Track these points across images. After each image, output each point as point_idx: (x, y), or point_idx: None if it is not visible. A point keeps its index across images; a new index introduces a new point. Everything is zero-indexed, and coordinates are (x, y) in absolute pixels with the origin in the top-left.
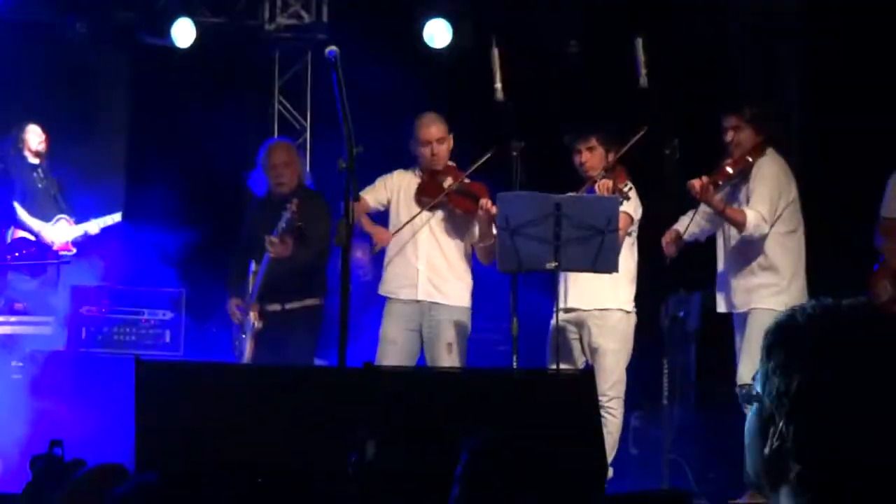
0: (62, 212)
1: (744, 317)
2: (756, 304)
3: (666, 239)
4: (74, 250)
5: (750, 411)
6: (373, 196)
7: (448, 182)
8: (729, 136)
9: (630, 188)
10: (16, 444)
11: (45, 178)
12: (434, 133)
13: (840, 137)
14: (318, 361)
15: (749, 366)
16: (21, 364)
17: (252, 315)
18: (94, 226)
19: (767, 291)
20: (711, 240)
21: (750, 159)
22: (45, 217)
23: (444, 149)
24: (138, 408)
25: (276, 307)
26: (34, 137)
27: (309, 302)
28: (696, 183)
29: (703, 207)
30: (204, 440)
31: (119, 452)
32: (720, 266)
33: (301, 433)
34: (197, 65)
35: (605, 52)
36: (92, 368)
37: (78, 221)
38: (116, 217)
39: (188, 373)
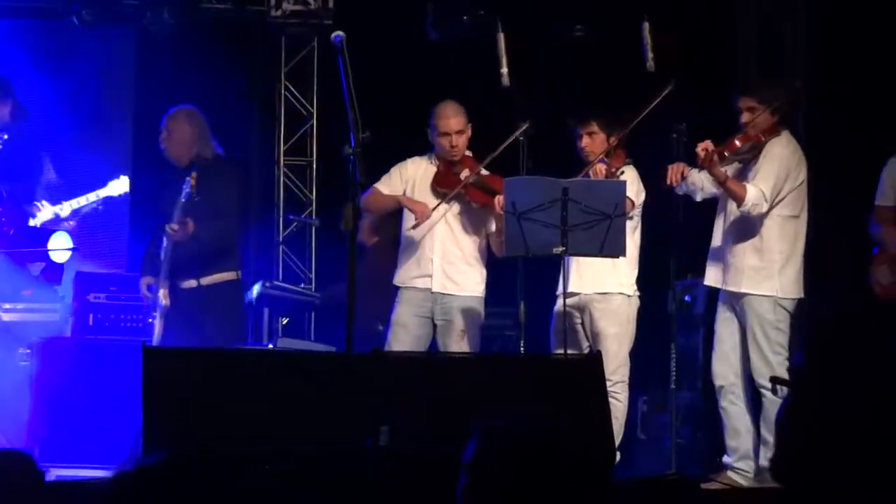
0: (42, 197)
1: (733, 296)
2: (747, 288)
3: (674, 169)
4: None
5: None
6: (388, 187)
7: (465, 174)
8: (745, 117)
9: (622, 171)
10: (22, 431)
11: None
12: (454, 125)
13: (846, 122)
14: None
15: (760, 360)
16: (28, 351)
17: (161, 293)
18: (66, 208)
19: (758, 275)
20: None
21: (762, 138)
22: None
23: (463, 140)
24: (145, 394)
25: (191, 283)
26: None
27: (226, 276)
28: (701, 151)
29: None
30: (211, 425)
31: (126, 438)
32: (716, 241)
33: (309, 418)
34: (202, 51)
35: (611, 36)
36: (99, 355)
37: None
38: (99, 193)
39: (195, 359)
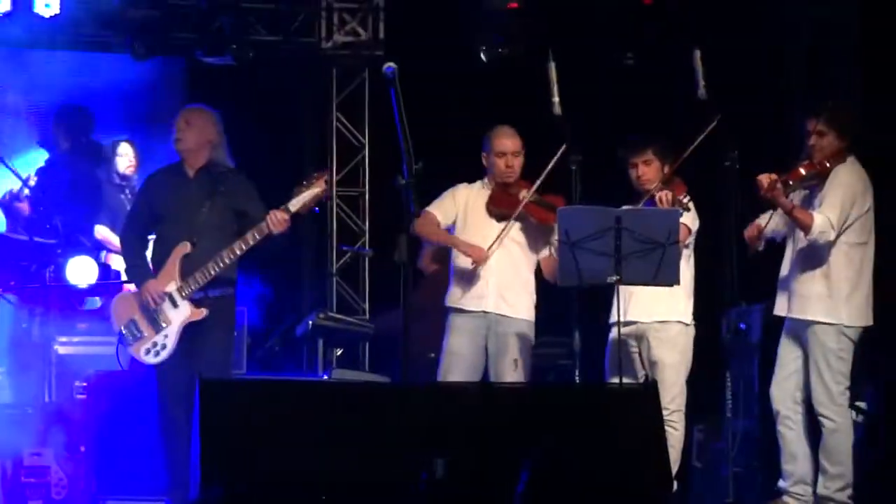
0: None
1: (798, 323)
2: (812, 315)
3: (748, 233)
4: None
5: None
6: (441, 211)
7: (523, 194)
8: (812, 139)
9: (689, 199)
10: (80, 463)
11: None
12: (510, 145)
13: None
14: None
15: (821, 389)
16: (84, 384)
17: (189, 305)
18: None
19: (823, 304)
20: (777, 250)
21: (828, 164)
22: None
23: (518, 162)
24: (202, 425)
25: (199, 294)
26: (123, 161)
27: (230, 290)
28: (764, 180)
29: (777, 212)
30: (266, 457)
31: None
32: (785, 269)
33: (366, 449)
34: (255, 83)
35: (662, 63)
36: (154, 388)
37: None
38: None
39: (251, 390)
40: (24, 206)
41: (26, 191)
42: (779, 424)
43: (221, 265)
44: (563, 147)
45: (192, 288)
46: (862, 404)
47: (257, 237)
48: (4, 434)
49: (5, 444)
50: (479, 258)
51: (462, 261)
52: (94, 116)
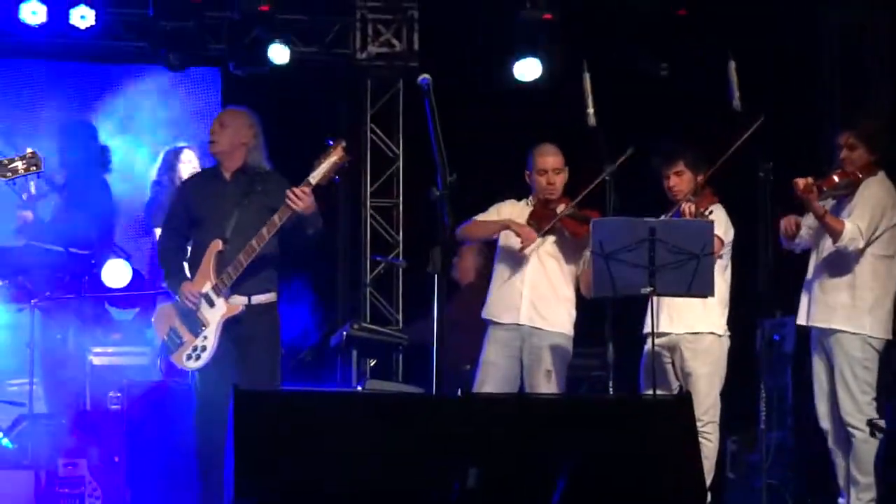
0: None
1: (823, 334)
2: (837, 324)
3: (786, 222)
4: None
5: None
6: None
7: (561, 208)
8: (843, 152)
9: (711, 212)
10: (115, 475)
11: None
12: (551, 163)
13: None
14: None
15: (848, 399)
16: (118, 395)
17: (224, 302)
18: None
19: (849, 313)
20: (806, 259)
21: (860, 175)
22: None
23: (560, 179)
24: (237, 436)
25: (241, 300)
26: (187, 167)
27: (272, 296)
28: (801, 181)
29: (805, 220)
30: (300, 468)
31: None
32: (808, 278)
33: (399, 460)
34: (289, 94)
35: (696, 74)
36: (188, 398)
37: None
38: None
39: (285, 401)
40: (28, 214)
41: (24, 196)
42: (829, 442)
43: (251, 253)
44: (606, 169)
45: (226, 283)
46: (880, 421)
47: (283, 217)
48: (39, 444)
49: (40, 454)
50: (528, 238)
51: (500, 271)
52: (93, 126)
